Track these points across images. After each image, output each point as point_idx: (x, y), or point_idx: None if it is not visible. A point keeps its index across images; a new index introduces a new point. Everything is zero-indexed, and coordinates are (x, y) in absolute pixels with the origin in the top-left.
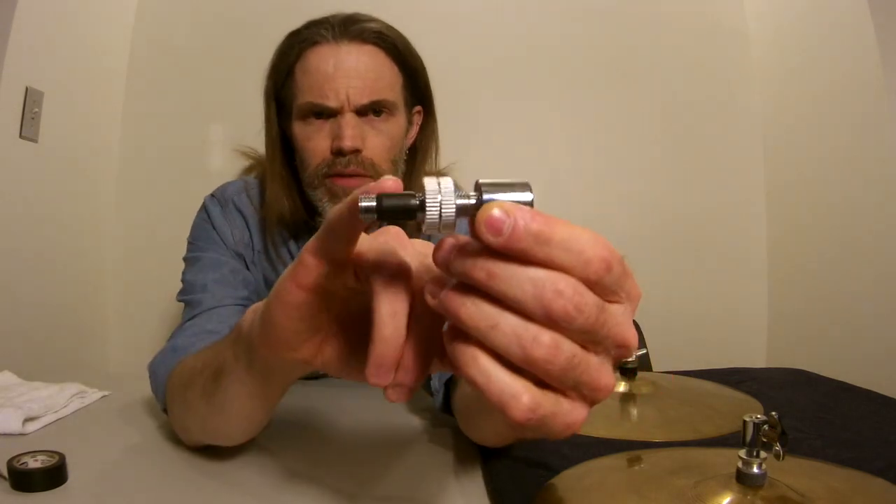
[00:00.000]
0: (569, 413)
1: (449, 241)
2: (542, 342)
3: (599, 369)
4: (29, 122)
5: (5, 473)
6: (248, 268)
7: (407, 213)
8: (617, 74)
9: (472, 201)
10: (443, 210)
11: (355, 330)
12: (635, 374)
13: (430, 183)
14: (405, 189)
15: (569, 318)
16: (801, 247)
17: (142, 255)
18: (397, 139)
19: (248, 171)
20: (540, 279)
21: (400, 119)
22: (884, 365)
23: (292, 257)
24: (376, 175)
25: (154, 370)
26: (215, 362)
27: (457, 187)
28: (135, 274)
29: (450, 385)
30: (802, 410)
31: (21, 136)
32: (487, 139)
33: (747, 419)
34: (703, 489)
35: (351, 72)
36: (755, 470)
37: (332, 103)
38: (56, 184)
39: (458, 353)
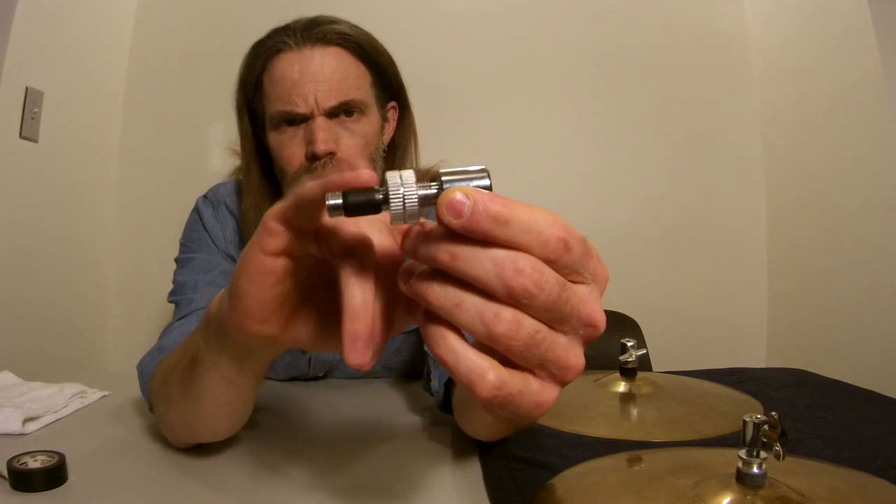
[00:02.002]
0: (538, 392)
1: (415, 229)
2: (504, 318)
3: (567, 348)
4: (29, 122)
5: (5, 473)
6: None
7: (372, 207)
8: (617, 75)
9: (434, 191)
10: (406, 202)
11: (322, 300)
12: (635, 374)
13: (392, 177)
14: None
15: (529, 294)
16: (801, 247)
17: (141, 255)
18: (372, 137)
19: (239, 171)
20: (500, 258)
21: (372, 117)
22: (884, 365)
23: None
24: None
25: (141, 371)
26: (189, 352)
27: (418, 179)
28: (135, 274)
29: (449, 385)
30: (802, 410)
31: (21, 136)
32: (486, 140)
33: (747, 419)
34: (703, 489)
35: (317, 75)
36: (755, 470)
37: (301, 109)
38: (56, 184)
39: (430, 333)
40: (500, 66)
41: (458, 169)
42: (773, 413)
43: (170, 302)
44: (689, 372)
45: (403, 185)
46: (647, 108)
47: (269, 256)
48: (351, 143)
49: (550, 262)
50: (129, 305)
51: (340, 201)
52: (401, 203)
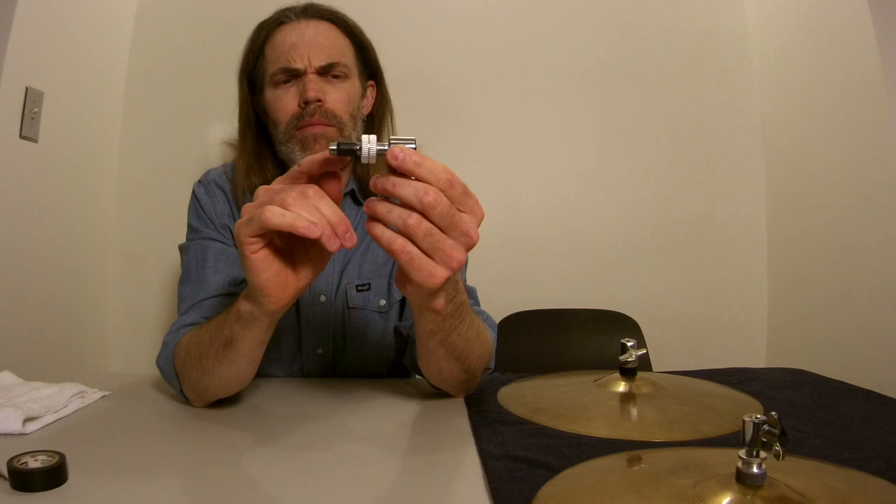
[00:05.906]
0: (431, 265)
1: (375, 177)
2: (414, 217)
3: (453, 246)
4: (29, 122)
5: (5, 473)
6: (233, 237)
7: (352, 153)
8: (617, 74)
9: (385, 147)
10: (370, 152)
11: (295, 256)
12: (635, 374)
13: (364, 137)
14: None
15: (432, 205)
16: (801, 247)
17: (141, 255)
18: (354, 97)
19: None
20: (418, 186)
21: (354, 82)
22: (884, 365)
23: None
24: (338, 124)
25: (161, 365)
26: (222, 337)
27: (379, 141)
28: (134, 274)
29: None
30: (802, 410)
31: (21, 136)
32: (487, 139)
33: (747, 419)
34: (703, 489)
35: (311, 40)
36: (755, 470)
37: (298, 65)
38: (56, 184)
39: (372, 226)
40: (501, 65)
41: (400, 137)
42: (773, 413)
43: (178, 288)
44: (689, 372)
45: (369, 143)
46: (647, 107)
47: (253, 251)
48: (337, 97)
49: (443, 192)
50: (129, 305)
51: (336, 147)
52: (367, 152)
